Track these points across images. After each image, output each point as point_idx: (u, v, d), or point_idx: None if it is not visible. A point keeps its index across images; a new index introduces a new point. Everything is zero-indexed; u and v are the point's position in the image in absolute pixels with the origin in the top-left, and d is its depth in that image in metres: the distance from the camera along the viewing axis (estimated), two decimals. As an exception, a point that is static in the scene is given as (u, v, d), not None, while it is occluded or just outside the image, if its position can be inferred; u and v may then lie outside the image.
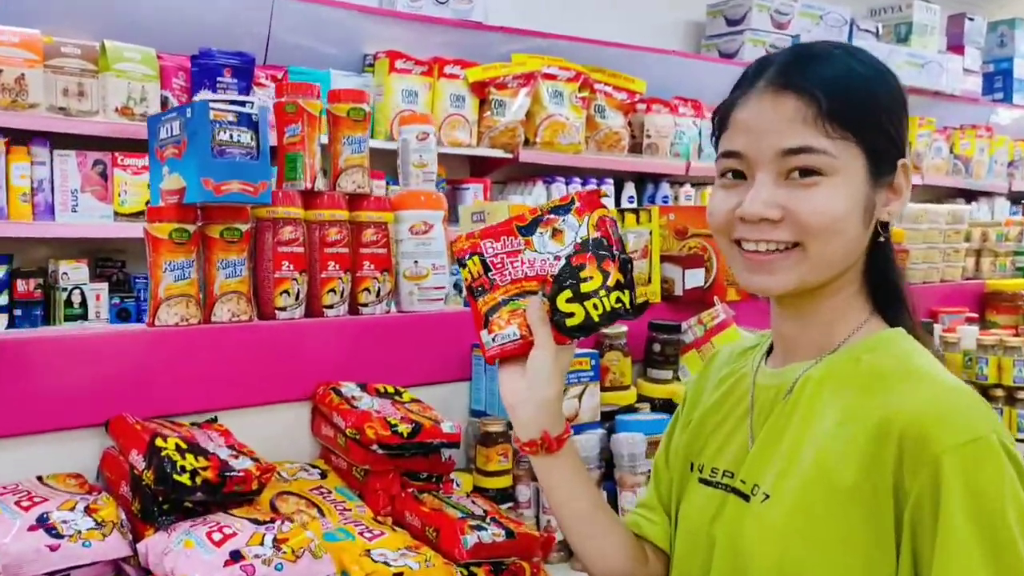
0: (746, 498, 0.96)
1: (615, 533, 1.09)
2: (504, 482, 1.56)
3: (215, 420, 1.38)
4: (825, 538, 0.88)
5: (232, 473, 1.18)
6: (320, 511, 1.30)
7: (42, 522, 1.09)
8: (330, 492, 1.37)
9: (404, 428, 1.37)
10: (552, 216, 1.00)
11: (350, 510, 1.33)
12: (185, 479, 1.14)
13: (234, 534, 1.12)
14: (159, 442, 1.18)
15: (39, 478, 1.20)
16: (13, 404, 1.23)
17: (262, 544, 1.11)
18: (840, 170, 0.90)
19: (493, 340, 1.00)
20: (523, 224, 1.00)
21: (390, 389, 1.52)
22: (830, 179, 0.90)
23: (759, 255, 0.94)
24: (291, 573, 1.07)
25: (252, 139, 1.38)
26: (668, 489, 1.11)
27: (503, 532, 1.28)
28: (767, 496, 0.93)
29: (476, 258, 1.01)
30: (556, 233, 0.99)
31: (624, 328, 1.84)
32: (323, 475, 1.42)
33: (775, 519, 0.92)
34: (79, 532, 1.09)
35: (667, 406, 1.84)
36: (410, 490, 1.38)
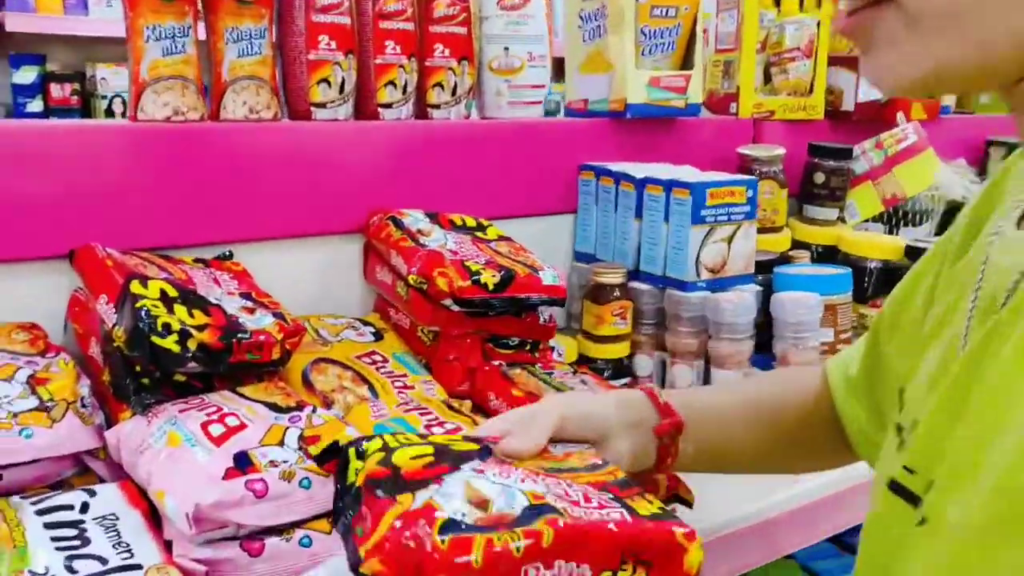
0: (914, 501, 0.51)
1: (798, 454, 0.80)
2: (620, 350, 1.16)
3: (229, 256, 1.00)
4: None
5: (242, 335, 0.80)
6: (372, 389, 0.93)
7: (-41, 398, 0.74)
8: (386, 361, 0.99)
9: (490, 277, 0.96)
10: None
11: (412, 387, 0.95)
12: (170, 343, 0.76)
13: (241, 426, 0.75)
14: (136, 287, 0.80)
15: (-28, 330, 0.85)
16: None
17: (282, 444, 0.74)
18: None
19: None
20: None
21: (469, 221, 1.11)
22: None
23: (845, 20, 0.50)
24: (324, 494, 0.70)
25: None
26: (881, 392, 0.70)
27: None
28: (924, 520, 0.50)
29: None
30: None
31: (780, 150, 1.37)
32: (378, 336, 1.04)
33: (939, 552, 0.48)
34: (13, 415, 0.73)
35: (829, 255, 1.39)
36: (496, 362, 0.99)
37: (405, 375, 0.97)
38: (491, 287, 0.96)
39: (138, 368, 0.79)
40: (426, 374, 0.99)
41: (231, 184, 1.00)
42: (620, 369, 1.16)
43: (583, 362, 1.14)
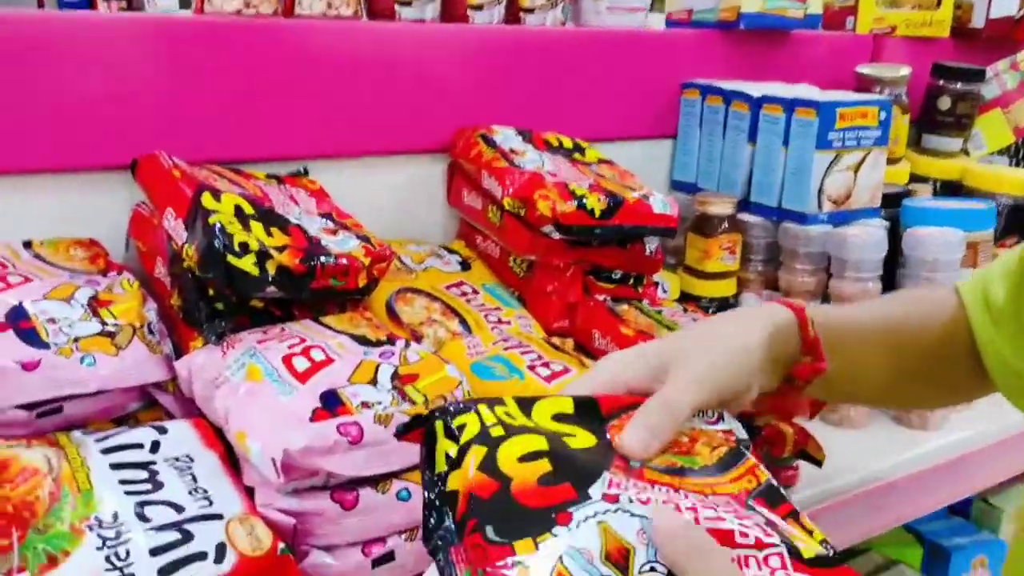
0: None
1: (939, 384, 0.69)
2: (727, 288, 1.04)
3: (304, 173, 0.90)
4: None
5: (326, 258, 0.71)
6: (463, 322, 0.83)
7: (14, 318, 0.65)
8: (476, 293, 0.89)
9: (596, 202, 0.85)
10: None
11: (508, 322, 0.85)
12: (247, 264, 0.67)
13: (327, 361, 0.66)
14: (207, 200, 0.70)
15: (26, 244, 0.76)
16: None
17: (374, 382, 0.64)
18: None
19: None
20: None
21: (566, 142, 0.99)
22: None
23: None
24: (423, 438, 0.61)
25: None
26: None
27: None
28: None
29: None
30: None
31: (906, 70, 1.22)
32: (464, 265, 0.94)
33: None
34: (74, 340, 0.65)
35: (950, 190, 1.25)
36: (600, 297, 0.89)
37: (498, 308, 0.87)
38: (597, 213, 0.85)
39: (211, 292, 0.70)
40: (520, 308, 0.89)
41: (305, 90, 0.90)
42: (726, 308, 1.05)
43: (685, 300, 1.03)
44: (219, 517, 0.56)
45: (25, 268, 0.71)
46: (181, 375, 0.68)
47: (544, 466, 0.44)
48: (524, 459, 0.44)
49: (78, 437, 0.61)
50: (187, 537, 0.54)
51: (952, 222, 0.99)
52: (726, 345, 0.55)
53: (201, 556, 0.53)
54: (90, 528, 0.53)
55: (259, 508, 0.58)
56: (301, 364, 0.65)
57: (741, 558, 0.43)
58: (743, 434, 0.55)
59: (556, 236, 0.86)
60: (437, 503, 0.45)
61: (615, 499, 0.44)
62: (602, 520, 0.42)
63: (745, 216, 1.05)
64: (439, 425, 0.47)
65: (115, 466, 0.59)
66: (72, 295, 0.69)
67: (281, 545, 0.55)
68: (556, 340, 0.82)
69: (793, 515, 0.47)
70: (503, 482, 0.43)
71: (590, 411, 0.51)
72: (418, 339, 0.79)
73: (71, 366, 0.63)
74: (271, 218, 0.72)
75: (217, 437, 0.64)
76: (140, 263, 0.80)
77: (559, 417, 0.49)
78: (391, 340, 0.70)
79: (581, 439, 0.48)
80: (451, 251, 0.96)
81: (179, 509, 0.56)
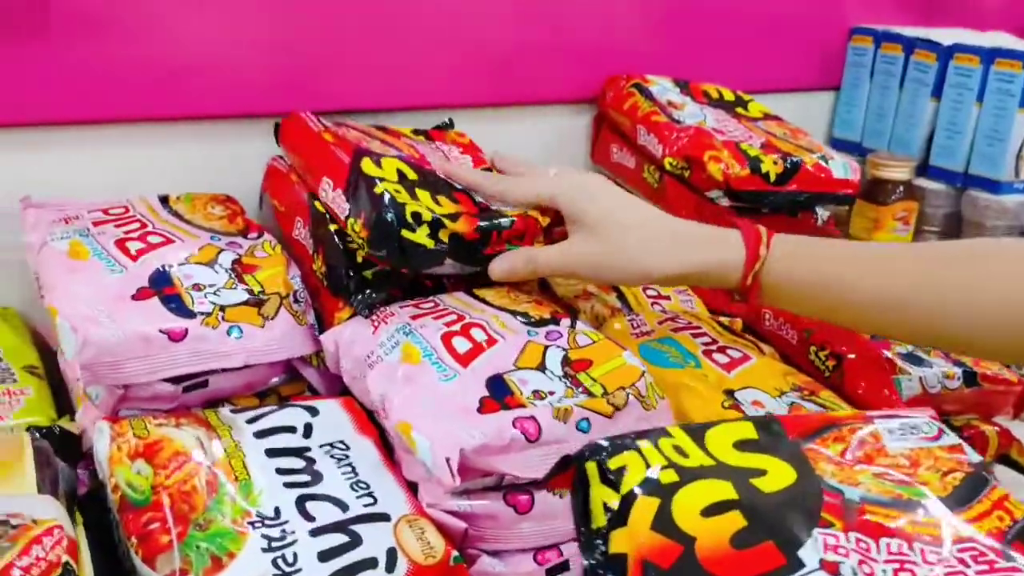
0: None
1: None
2: (895, 263, 0.94)
3: (450, 125, 0.82)
4: None
5: (503, 223, 0.63)
6: (621, 296, 0.75)
7: (158, 283, 0.60)
8: (630, 261, 0.81)
9: (772, 165, 0.76)
10: None
11: (667, 298, 0.77)
12: (422, 236, 0.60)
13: (490, 341, 0.59)
14: (368, 166, 0.63)
15: (163, 200, 0.71)
16: (116, 66, 0.71)
17: (543, 368, 0.58)
18: None
19: None
20: None
21: (727, 94, 0.89)
22: None
23: None
24: (604, 433, 0.54)
25: None
26: None
27: (959, 372, 0.69)
28: None
29: None
30: None
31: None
32: (613, 229, 0.86)
33: None
34: (220, 308, 0.60)
35: None
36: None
37: (655, 282, 0.78)
38: (772, 178, 0.76)
39: (359, 259, 0.64)
40: (678, 282, 0.80)
41: (445, 34, 0.82)
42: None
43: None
44: (386, 518, 0.51)
45: (165, 227, 0.66)
46: (328, 349, 0.63)
47: (736, 521, 0.36)
48: (709, 512, 0.37)
49: (228, 416, 0.57)
50: (355, 540, 0.49)
51: None
52: (640, 254, 0.59)
53: (371, 563, 0.48)
54: (253, 525, 0.49)
55: (427, 510, 0.52)
56: (462, 345, 0.59)
57: None
58: (975, 456, 0.46)
59: (724, 203, 0.77)
60: (600, 571, 0.37)
61: (835, 569, 0.35)
62: None
63: (923, 182, 0.94)
64: (591, 467, 0.40)
65: (271, 452, 0.54)
66: (215, 259, 0.63)
67: (454, 553, 0.50)
68: (728, 322, 0.73)
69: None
70: (686, 544, 0.35)
71: (775, 433, 0.43)
72: (574, 315, 0.72)
73: (218, 337, 0.59)
74: (435, 183, 0.65)
75: (370, 421, 0.59)
76: (276, 222, 0.74)
77: (742, 446, 0.41)
78: (555, 319, 0.63)
79: (775, 475, 0.40)
80: (597, 214, 0.88)
81: (343, 507, 0.51)
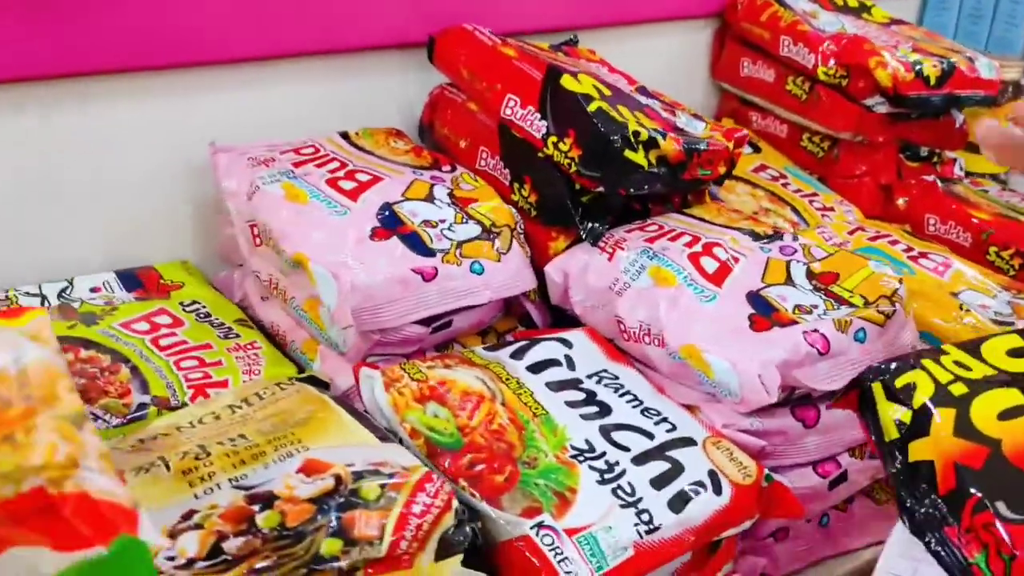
0: None
1: None
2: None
3: (575, 42, 0.79)
4: None
5: (700, 146, 0.62)
6: (795, 210, 0.75)
7: (391, 224, 0.57)
8: (783, 177, 0.81)
9: (931, 68, 0.76)
10: None
11: (831, 208, 0.77)
12: (640, 157, 0.58)
13: (734, 259, 0.58)
14: (569, 82, 0.60)
15: (344, 136, 0.67)
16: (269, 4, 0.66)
17: (792, 283, 0.57)
18: None
19: None
20: None
21: (851, 1, 0.88)
22: None
23: None
24: (876, 348, 0.54)
25: None
26: None
27: None
28: None
29: None
30: None
31: None
32: (753, 147, 0.85)
33: None
34: (457, 245, 0.57)
35: None
36: (930, 178, 0.81)
37: (815, 194, 0.79)
38: (932, 81, 0.76)
39: (577, 187, 0.61)
40: (832, 192, 0.80)
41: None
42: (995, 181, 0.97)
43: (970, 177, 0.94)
44: (692, 442, 0.50)
45: (364, 164, 0.62)
46: (554, 280, 0.61)
47: None
48: (1005, 416, 0.39)
49: (487, 354, 0.55)
50: (677, 466, 0.48)
51: None
52: None
53: (701, 486, 0.48)
54: (577, 460, 0.48)
55: (724, 430, 0.52)
56: (710, 265, 0.58)
57: None
58: None
59: (881, 109, 0.77)
60: (902, 477, 0.40)
61: None
62: None
63: (1029, 81, 0.95)
64: (877, 388, 0.41)
65: (551, 386, 0.53)
66: (431, 194, 0.60)
67: (766, 471, 0.50)
68: (905, 226, 0.74)
69: None
70: (992, 447, 0.38)
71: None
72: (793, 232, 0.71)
73: (463, 275, 0.56)
74: (628, 100, 0.63)
75: (617, 349, 0.58)
76: (450, 154, 0.70)
77: (1016, 353, 0.44)
78: (779, 233, 0.63)
79: None
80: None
81: (649, 436, 0.50)
